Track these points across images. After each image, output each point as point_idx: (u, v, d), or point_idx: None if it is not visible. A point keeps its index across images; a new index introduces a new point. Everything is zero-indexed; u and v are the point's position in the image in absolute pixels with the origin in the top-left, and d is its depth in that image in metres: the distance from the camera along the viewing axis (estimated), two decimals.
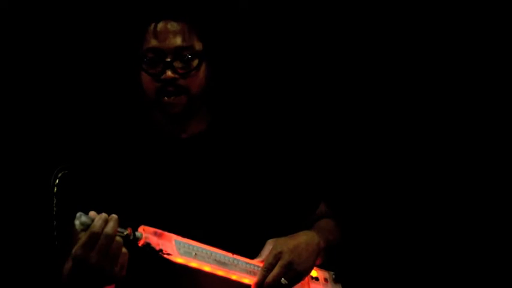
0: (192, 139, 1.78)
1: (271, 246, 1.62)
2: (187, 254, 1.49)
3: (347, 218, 1.90)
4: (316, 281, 1.71)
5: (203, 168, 1.75)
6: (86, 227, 1.36)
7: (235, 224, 1.72)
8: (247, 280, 1.58)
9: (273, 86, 2.29)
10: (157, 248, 1.45)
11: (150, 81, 1.69)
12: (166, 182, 1.72)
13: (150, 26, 1.68)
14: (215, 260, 1.53)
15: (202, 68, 1.71)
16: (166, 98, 1.69)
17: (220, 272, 1.54)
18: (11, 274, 2.17)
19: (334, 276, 1.76)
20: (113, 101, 2.21)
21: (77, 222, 1.36)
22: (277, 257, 1.60)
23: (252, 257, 1.62)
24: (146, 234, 1.44)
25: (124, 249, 1.40)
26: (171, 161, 1.75)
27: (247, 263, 1.59)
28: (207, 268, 1.52)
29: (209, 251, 1.53)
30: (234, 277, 1.56)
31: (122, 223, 1.41)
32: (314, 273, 1.71)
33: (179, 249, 1.48)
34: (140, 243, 1.43)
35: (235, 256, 1.57)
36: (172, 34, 1.67)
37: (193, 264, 1.51)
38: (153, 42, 1.68)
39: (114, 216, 1.39)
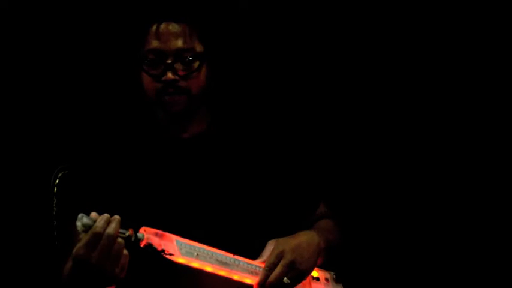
0: (193, 139, 1.78)
1: (272, 247, 1.62)
2: (189, 254, 1.49)
3: (346, 218, 1.90)
4: (317, 281, 1.71)
5: (204, 168, 1.75)
6: (88, 228, 1.36)
7: (235, 224, 1.72)
8: (248, 280, 1.58)
9: (272, 86, 2.29)
10: (159, 249, 1.45)
11: (151, 82, 1.70)
12: (167, 182, 1.72)
13: (152, 27, 1.68)
14: (217, 260, 1.53)
15: (203, 69, 1.71)
16: (167, 97, 1.69)
17: (222, 272, 1.54)
18: (11, 274, 2.17)
19: (334, 276, 1.76)
20: (113, 101, 2.21)
21: (78, 223, 1.36)
22: (279, 256, 1.60)
23: (252, 258, 1.62)
24: (148, 235, 1.44)
25: (125, 251, 1.40)
26: (172, 161, 1.75)
27: (248, 264, 1.59)
28: (208, 268, 1.52)
29: (210, 251, 1.53)
30: (235, 277, 1.56)
31: (123, 224, 1.41)
32: (315, 273, 1.71)
33: (181, 250, 1.48)
34: (142, 244, 1.43)
35: (236, 257, 1.57)
36: (173, 36, 1.68)
37: (195, 264, 1.51)
38: (155, 44, 1.68)
39: (117, 217, 1.39)
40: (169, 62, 1.67)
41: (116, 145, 1.78)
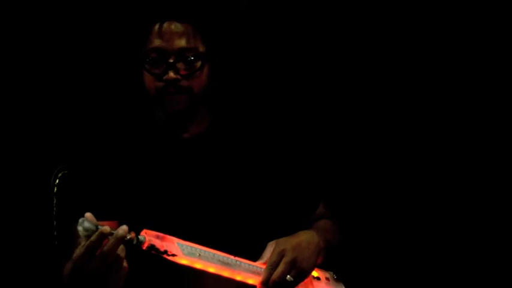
0: (193, 139, 1.78)
1: (272, 248, 1.62)
2: (191, 255, 1.49)
3: (345, 218, 1.90)
4: (318, 280, 1.71)
5: (204, 168, 1.75)
6: (91, 232, 1.36)
7: (235, 224, 1.72)
8: (251, 280, 1.58)
9: (272, 87, 2.29)
10: (162, 250, 1.45)
11: (152, 80, 1.70)
12: (167, 182, 1.73)
13: (155, 26, 1.68)
14: (219, 260, 1.53)
15: (205, 69, 1.71)
16: (168, 96, 1.69)
17: (225, 273, 1.54)
18: (11, 274, 2.17)
19: (335, 275, 1.76)
20: (114, 101, 2.21)
21: (79, 228, 1.35)
22: (280, 255, 1.60)
23: (252, 259, 1.62)
24: (149, 237, 1.44)
25: (125, 263, 1.41)
26: (173, 161, 1.75)
27: (249, 265, 1.58)
28: (211, 269, 1.52)
29: (212, 253, 1.53)
30: (238, 278, 1.56)
31: (130, 228, 1.41)
32: (315, 273, 1.71)
33: (183, 251, 1.48)
34: (144, 246, 1.43)
35: (237, 258, 1.57)
36: (176, 35, 1.67)
37: (198, 265, 1.50)
38: (157, 43, 1.68)
39: (122, 232, 1.38)
40: (171, 61, 1.67)
41: (116, 145, 1.78)
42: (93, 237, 1.35)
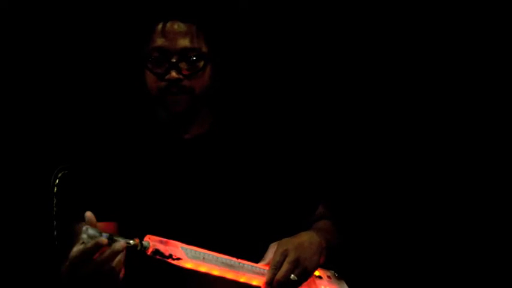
0: (195, 140, 1.78)
1: (274, 249, 1.62)
2: (195, 258, 1.49)
3: (344, 218, 1.90)
4: (320, 279, 1.71)
5: (205, 169, 1.75)
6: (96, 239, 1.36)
7: (236, 225, 1.72)
8: (255, 281, 1.58)
9: (272, 88, 2.30)
10: (167, 254, 1.45)
11: (154, 80, 1.69)
12: (168, 183, 1.72)
13: (158, 26, 1.67)
14: (223, 263, 1.53)
15: (207, 70, 1.71)
16: (170, 96, 1.69)
17: (230, 275, 1.53)
18: (11, 274, 2.17)
19: (336, 274, 1.76)
20: (115, 100, 2.20)
21: (84, 236, 1.35)
22: (284, 255, 1.60)
23: (254, 261, 1.62)
24: (153, 242, 1.44)
25: (120, 273, 1.41)
26: (174, 162, 1.75)
27: (252, 266, 1.58)
28: (216, 272, 1.52)
29: (215, 256, 1.53)
30: (242, 279, 1.56)
31: (128, 233, 1.41)
32: (316, 272, 1.71)
33: (187, 254, 1.48)
34: (149, 252, 1.43)
35: (240, 260, 1.57)
36: (179, 35, 1.67)
37: (203, 268, 1.50)
38: (160, 42, 1.67)
39: (119, 247, 1.38)
40: (174, 60, 1.67)
41: (117, 145, 1.77)
42: (89, 244, 1.35)
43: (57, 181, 1.87)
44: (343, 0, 2.24)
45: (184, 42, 1.67)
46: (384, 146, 2.29)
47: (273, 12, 2.26)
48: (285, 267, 1.59)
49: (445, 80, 2.24)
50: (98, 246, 1.35)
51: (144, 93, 1.73)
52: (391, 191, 2.28)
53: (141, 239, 1.43)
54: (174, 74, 1.67)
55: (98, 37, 2.20)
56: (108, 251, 1.36)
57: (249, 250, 1.63)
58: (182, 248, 1.48)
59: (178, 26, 1.67)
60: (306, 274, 1.63)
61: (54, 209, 1.86)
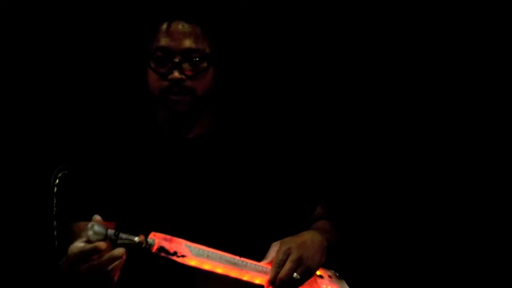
0: (196, 140, 1.78)
1: (277, 247, 1.62)
2: (200, 255, 1.49)
3: (344, 218, 1.90)
4: (321, 278, 1.71)
5: (206, 169, 1.75)
6: (101, 237, 1.36)
7: (238, 225, 1.72)
8: (258, 280, 1.58)
9: (273, 89, 2.30)
10: (172, 251, 1.45)
11: (157, 80, 1.69)
12: (168, 183, 1.72)
13: (163, 25, 1.67)
14: (226, 261, 1.53)
15: (210, 71, 1.70)
16: (172, 96, 1.69)
17: (233, 273, 1.53)
18: (11, 274, 2.16)
19: (336, 273, 1.77)
20: (116, 100, 2.20)
21: (90, 232, 1.35)
22: (286, 253, 1.60)
23: (254, 260, 1.61)
24: (158, 239, 1.44)
25: (115, 277, 1.42)
26: (175, 161, 1.75)
27: (255, 265, 1.58)
28: (219, 269, 1.52)
29: (219, 254, 1.53)
30: (246, 277, 1.56)
31: (133, 230, 1.41)
32: (318, 271, 1.71)
33: (191, 252, 1.48)
34: (154, 249, 1.43)
35: (242, 259, 1.57)
36: (183, 35, 1.67)
37: (207, 266, 1.50)
38: (164, 42, 1.67)
39: (117, 253, 1.39)
40: (177, 60, 1.67)
41: (118, 145, 1.77)
42: (87, 246, 1.36)
43: (57, 181, 1.87)
44: (344, 0, 2.25)
45: (188, 43, 1.67)
46: (382, 145, 2.30)
47: (273, 13, 2.26)
48: (288, 265, 1.59)
49: (445, 80, 2.25)
50: (97, 251, 1.35)
51: (145, 93, 1.73)
52: (390, 191, 2.29)
53: (145, 237, 1.43)
54: (176, 74, 1.67)
55: (100, 37, 2.20)
56: (106, 256, 1.37)
57: (251, 249, 1.63)
58: (186, 245, 1.48)
59: (182, 26, 1.67)
60: (309, 273, 1.63)
61: (54, 209, 1.86)
